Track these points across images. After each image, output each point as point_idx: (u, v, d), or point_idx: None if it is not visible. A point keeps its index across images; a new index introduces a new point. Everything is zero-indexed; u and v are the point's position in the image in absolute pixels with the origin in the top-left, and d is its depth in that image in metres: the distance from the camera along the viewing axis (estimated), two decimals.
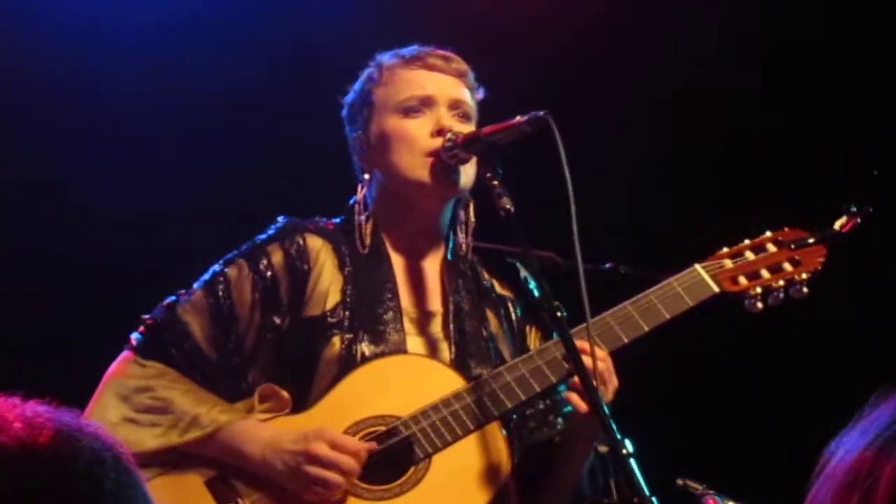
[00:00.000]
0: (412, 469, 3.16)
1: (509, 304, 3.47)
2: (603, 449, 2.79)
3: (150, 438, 3.18)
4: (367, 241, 3.35)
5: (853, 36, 5.20)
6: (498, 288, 3.48)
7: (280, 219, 3.42)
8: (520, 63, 5.05)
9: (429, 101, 3.35)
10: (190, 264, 3.44)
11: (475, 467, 3.17)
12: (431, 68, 3.38)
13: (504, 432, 3.22)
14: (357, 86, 3.46)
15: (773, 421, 5.23)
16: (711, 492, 3.58)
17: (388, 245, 3.38)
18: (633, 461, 2.74)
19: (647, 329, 3.28)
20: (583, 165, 3.03)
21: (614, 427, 2.79)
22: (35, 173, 4.78)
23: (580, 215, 2.97)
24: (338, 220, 3.45)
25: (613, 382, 3.18)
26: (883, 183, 3.50)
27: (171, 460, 3.20)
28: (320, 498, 3.12)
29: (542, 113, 3.12)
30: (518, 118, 3.18)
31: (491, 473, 3.16)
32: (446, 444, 3.16)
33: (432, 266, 3.42)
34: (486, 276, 3.48)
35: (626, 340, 3.26)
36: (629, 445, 2.78)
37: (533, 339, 3.46)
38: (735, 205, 4.88)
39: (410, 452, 3.16)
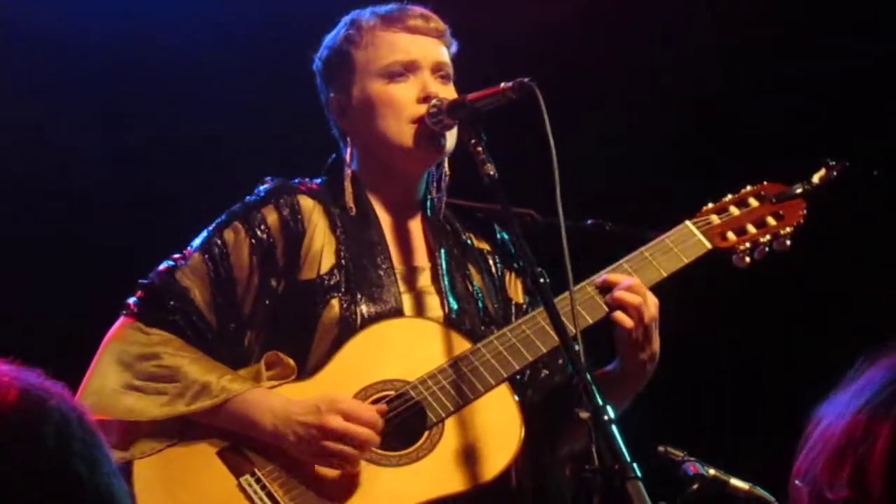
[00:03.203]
0: (426, 434, 3.14)
1: (488, 257, 3.48)
2: (584, 415, 2.78)
3: (155, 407, 3.13)
4: (352, 202, 3.34)
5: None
6: (475, 241, 3.49)
7: (267, 179, 3.40)
8: (503, 29, 5.04)
9: (413, 66, 3.35)
10: (177, 229, 3.42)
11: (489, 430, 3.16)
12: (413, 31, 3.37)
13: (514, 394, 3.22)
14: (332, 43, 3.43)
15: (754, 388, 5.25)
16: (692, 459, 3.59)
17: (372, 204, 3.38)
18: (614, 427, 2.74)
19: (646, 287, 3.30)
20: (566, 131, 3.03)
21: (597, 392, 2.80)
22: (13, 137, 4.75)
23: (563, 172, 2.97)
24: (319, 180, 3.44)
25: (648, 311, 3.22)
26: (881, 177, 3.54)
27: (180, 431, 3.16)
28: (337, 469, 3.10)
29: (527, 79, 3.12)
30: (503, 84, 3.18)
31: (506, 435, 3.16)
32: (458, 408, 3.14)
33: (415, 223, 3.43)
34: (463, 230, 3.48)
35: None
36: (611, 412, 2.78)
37: (513, 289, 3.48)
38: (716, 164, 4.90)
39: (423, 417, 3.14)
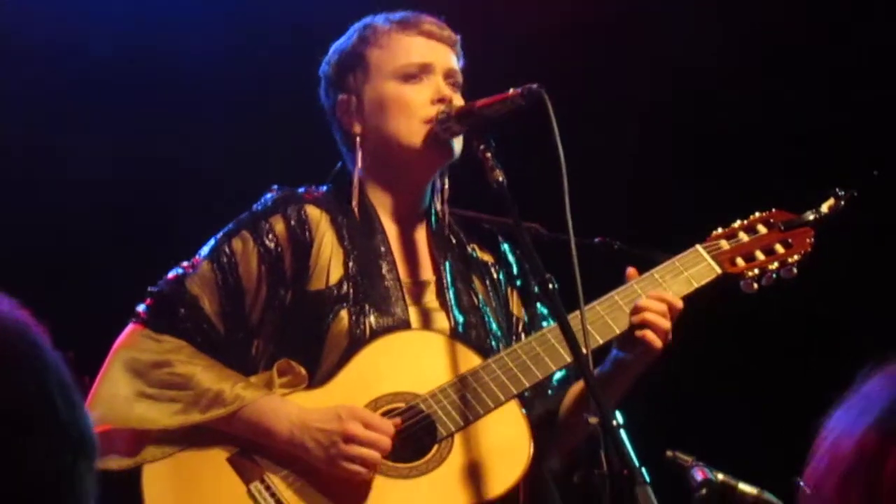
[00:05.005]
0: (436, 447, 3.15)
1: (492, 269, 3.49)
2: (593, 420, 2.79)
3: (168, 416, 3.13)
4: (357, 207, 3.34)
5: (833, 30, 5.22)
6: (479, 253, 3.49)
7: (274, 188, 3.40)
8: (511, 36, 5.05)
9: (427, 69, 3.36)
10: (184, 236, 3.43)
11: (499, 446, 3.17)
12: (429, 35, 3.39)
13: (522, 410, 3.23)
14: (345, 46, 3.44)
15: (762, 393, 5.25)
16: (701, 463, 3.59)
17: (378, 213, 3.38)
18: (623, 432, 2.75)
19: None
20: (575, 140, 3.03)
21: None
22: (26, 147, 4.77)
23: (572, 190, 2.97)
24: (324, 187, 3.44)
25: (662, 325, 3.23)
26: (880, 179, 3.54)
27: (189, 436, 3.15)
28: (351, 475, 3.10)
29: (535, 86, 3.12)
30: (512, 91, 3.18)
31: (515, 452, 3.16)
32: (468, 423, 3.15)
33: (419, 234, 3.43)
34: (467, 241, 3.49)
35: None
36: (619, 417, 2.79)
37: (514, 304, 3.48)
38: (724, 186, 4.91)
39: (433, 430, 3.15)
